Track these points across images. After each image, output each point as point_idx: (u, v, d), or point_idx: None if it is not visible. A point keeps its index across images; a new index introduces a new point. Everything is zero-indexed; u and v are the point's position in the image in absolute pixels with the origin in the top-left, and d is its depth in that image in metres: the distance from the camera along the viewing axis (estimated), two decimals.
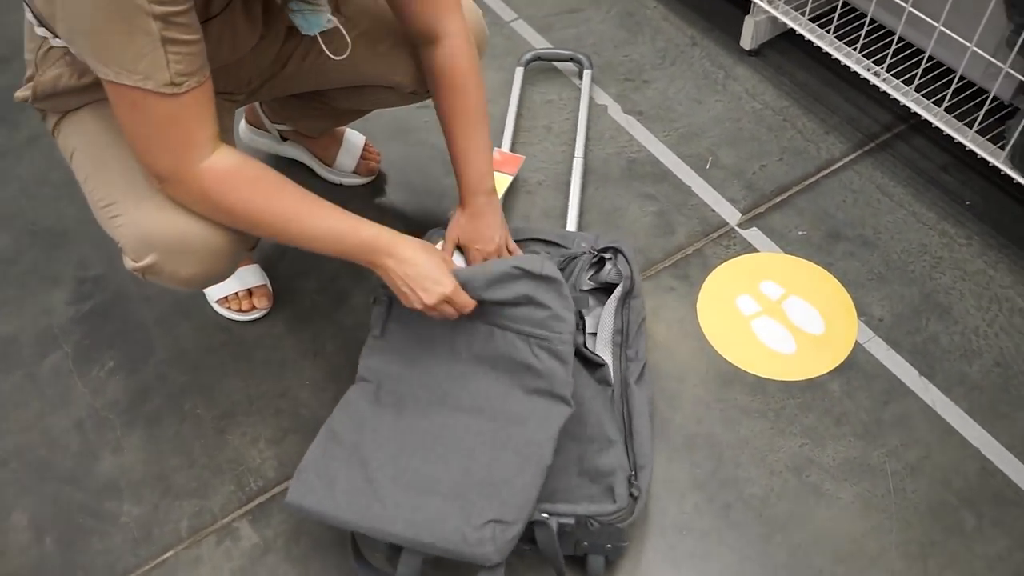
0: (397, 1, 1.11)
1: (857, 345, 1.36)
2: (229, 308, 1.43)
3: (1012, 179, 1.42)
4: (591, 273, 1.31)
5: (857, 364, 1.34)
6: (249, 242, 1.12)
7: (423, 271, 1.03)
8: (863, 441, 1.26)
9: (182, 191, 0.98)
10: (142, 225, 1.02)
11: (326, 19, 1.01)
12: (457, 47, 1.13)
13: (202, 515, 1.22)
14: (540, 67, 1.85)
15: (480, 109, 1.17)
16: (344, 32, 1.05)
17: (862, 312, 1.41)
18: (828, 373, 1.33)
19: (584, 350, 1.20)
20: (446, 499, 0.99)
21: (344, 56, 1.07)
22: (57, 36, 0.98)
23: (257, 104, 1.56)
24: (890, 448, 1.25)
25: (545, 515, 1.02)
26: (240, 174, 0.97)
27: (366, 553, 1.06)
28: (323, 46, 1.06)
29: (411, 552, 0.98)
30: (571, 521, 1.03)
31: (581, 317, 1.24)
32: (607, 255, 1.31)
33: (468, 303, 1.07)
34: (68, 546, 1.20)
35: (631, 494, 1.07)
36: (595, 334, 1.27)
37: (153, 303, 1.47)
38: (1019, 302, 1.41)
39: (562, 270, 1.27)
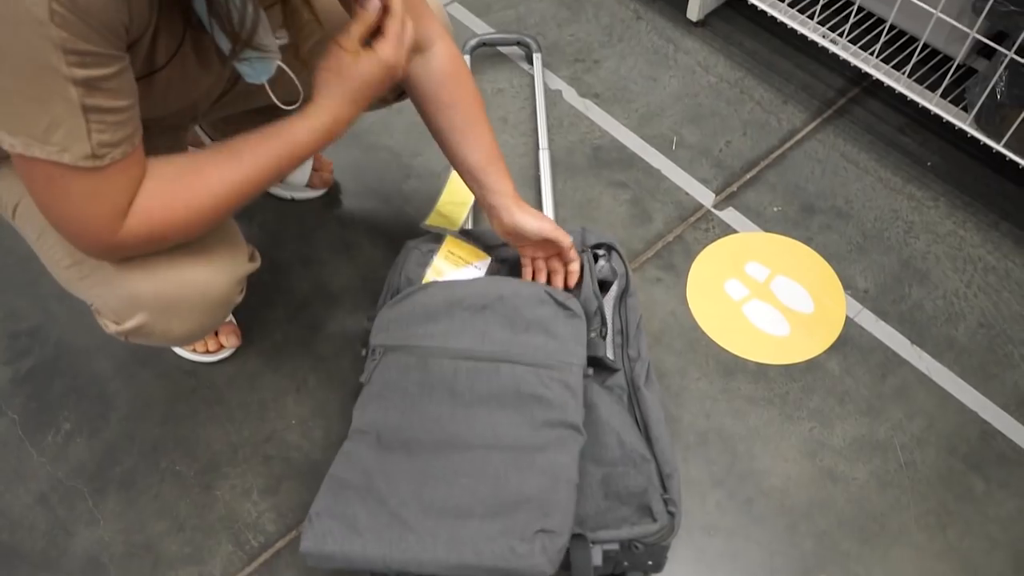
0: None
1: (848, 320, 1.37)
2: (194, 350, 1.31)
3: (968, 135, 1.43)
4: None
5: (851, 339, 1.35)
6: (243, 283, 1.01)
7: (364, 80, 0.90)
8: (868, 417, 1.27)
9: (130, 248, 0.85)
10: (125, 283, 0.90)
11: (275, 66, 0.90)
12: (447, 50, 1.06)
13: None
14: (484, 53, 1.77)
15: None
16: (295, 79, 0.93)
17: (847, 285, 1.41)
18: (825, 352, 1.33)
19: (606, 359, 1.15)
20: (484, 519, 0.93)
21: (296, 105, 0.96)
22: None
23: None
24: (895, 422, 1.26)
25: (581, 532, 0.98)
26: (166, 182, 0.83)
27: None
28: (271, 94, 0.93)
29: None
30: (615, 547, 0.99)
31: (603, 323, 1.18)
32: (600, 251, 1.26)
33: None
34: None
35: (668, 511, 1.03)
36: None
37: (104, 351, 1.33)
38: (991, 260, 1.45)
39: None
